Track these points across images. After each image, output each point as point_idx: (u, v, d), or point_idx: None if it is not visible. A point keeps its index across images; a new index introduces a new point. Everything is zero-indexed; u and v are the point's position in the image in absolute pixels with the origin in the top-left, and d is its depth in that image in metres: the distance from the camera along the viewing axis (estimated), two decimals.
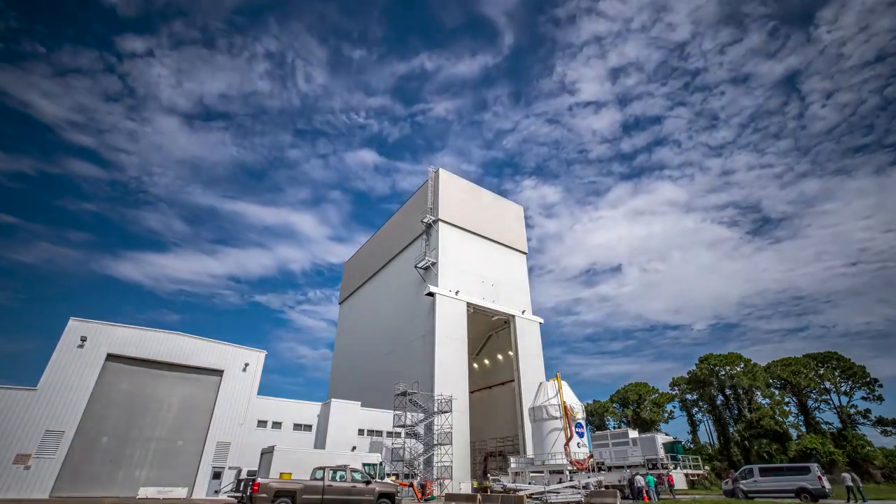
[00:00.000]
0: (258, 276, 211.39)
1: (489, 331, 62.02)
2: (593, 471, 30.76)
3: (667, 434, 31.18)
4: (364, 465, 28.57)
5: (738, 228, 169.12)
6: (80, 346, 29.34)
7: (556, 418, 35.90)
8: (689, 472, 30.46)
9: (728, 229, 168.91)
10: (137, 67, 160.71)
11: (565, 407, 35.76)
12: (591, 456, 32.94)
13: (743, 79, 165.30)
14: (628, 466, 29.24)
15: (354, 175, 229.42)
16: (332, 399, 41.69)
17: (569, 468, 32.10)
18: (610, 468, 30.28)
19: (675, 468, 28.28)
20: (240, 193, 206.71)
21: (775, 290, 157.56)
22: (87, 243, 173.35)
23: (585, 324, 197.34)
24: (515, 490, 28.95)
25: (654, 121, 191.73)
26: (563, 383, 38.22)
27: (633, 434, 30.96)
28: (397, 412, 40.43)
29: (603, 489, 25.87)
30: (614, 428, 68.62)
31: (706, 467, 42.09)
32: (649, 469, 27.83)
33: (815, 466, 25.09)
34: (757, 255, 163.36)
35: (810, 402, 61.92)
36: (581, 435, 35.18)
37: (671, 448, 29.09)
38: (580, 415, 36.72)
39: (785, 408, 59.31)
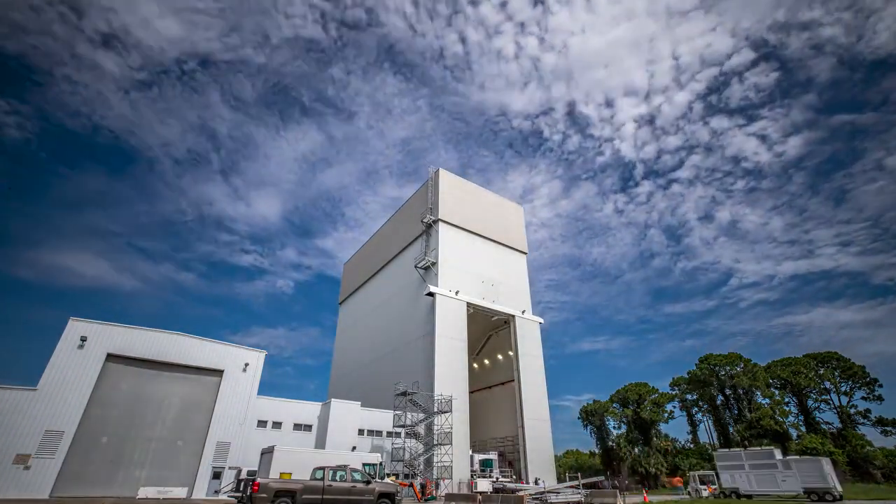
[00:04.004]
0: None
1: (489, 331, 62.00)
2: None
3: (501, 452, 45.76)
4: (364, 465, 28.56)
5: None
6: (80, 347, 29.34)
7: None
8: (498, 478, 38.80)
9: None
10: None
11: None
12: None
13: None
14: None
15: None
16: (332, 399, 41.68)
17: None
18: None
19: (483, 478, 39.49)
20: None
21: None
22: None
23: None
24: (515, 490, 29.04)
25: None
26: None
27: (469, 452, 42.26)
28: (397, 412, 40.43)
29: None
30: (613, 428, 69.41)
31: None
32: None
33: None
34: None
35: (810, 402, 61.87)
36: None
37: (484, 463, 42.31)
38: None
39: (785, 408, 59.25)
